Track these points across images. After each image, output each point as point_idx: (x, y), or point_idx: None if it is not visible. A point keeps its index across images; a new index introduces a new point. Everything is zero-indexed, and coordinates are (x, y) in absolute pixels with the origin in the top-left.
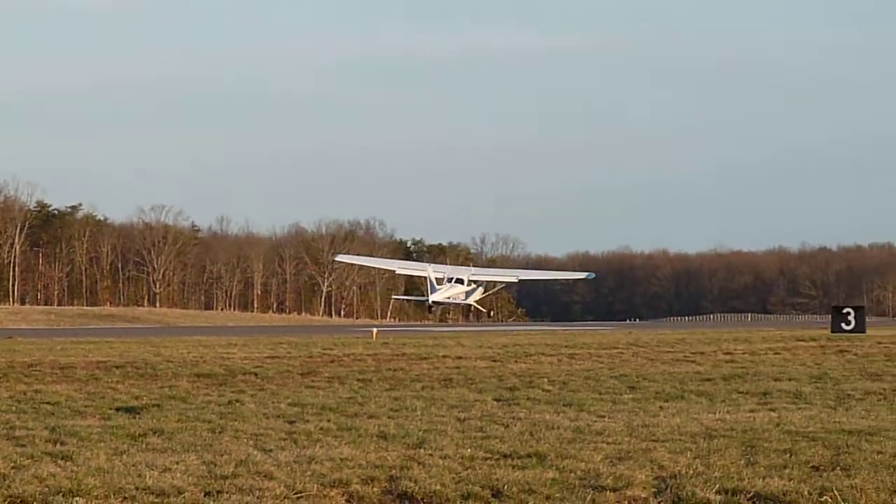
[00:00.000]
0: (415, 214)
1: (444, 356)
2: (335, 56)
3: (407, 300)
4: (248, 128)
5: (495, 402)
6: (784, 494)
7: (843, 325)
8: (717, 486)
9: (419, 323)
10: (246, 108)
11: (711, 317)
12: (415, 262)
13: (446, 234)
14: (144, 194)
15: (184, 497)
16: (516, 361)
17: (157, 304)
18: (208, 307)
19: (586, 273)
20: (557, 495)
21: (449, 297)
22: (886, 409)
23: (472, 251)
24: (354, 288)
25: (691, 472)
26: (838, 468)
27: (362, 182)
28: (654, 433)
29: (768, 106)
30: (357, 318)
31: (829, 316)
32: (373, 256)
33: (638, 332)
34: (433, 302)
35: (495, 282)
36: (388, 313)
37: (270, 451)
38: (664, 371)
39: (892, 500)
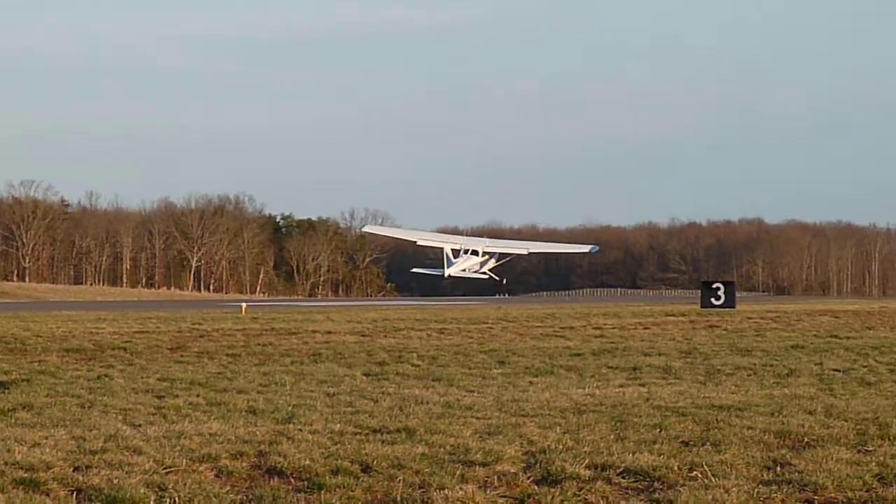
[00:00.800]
0: (284, 189)
1: (313, 331)
2: (201, 30)
3: (424, 273)
4: (115, 102)
5: (364, 377)
6: (654, 469)
7: (712, 300)
8: (587, 460)
9: (289, 298)
10: (114, 82)
11: (581, 292)
12: (435, 234)
13: (316, 210)
14: (13, 169)
15: (53, 472)
16: (385, 336)
17: (27, 279)
18: (77, 282)
19: (590, 246)
20: (427, 470)
21: (465, 270)
22: (756, 384)
23: (342, 226)
24: (224, 263)
25: (561, 446)
26: (708, 443)
27: (231, 157)
28: (523, 408)
29: (638, 85)
30: (227, 293)
31: (699, 291)
32: (400, 228)
33: (507, 307)
34: (449, 275)
35: (507, 253)
36: (258, 288)
37: (139, 426)
38: (534, 346)
39: (761, 475)
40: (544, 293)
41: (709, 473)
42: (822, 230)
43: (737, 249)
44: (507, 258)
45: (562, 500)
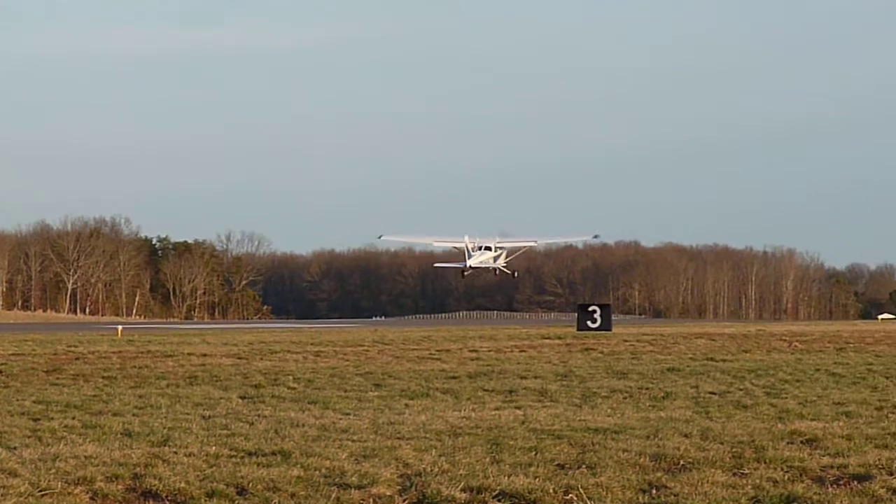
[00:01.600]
0: (160, 212)
1: (189, 354)
2: (66, 49)
3: (446, 267)
4: None
5: (240, 400)
6: (529, 492)
7: (589, 322)
8: (463, 483)
9: (165, 321)
10: None
11: (457, 314)
12: (448, 237)
13: (192, 232)
14: None
15: None
16: (261, 359)
17: None
18: None
19: (593, 234)
20: (302, 493)
21: (481, 262)
22: (632, 407)
23: (218, 248)
24: (100, 285)
25: (437, 469)
26: (584, 466)
27: (107, 179)
28: (399, 431)
29: (502, 112)
30: (103, 316)
31: (575, 314)
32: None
33: (384, 329)
34: (470, 266)
35: (518, 247)
36: (134, 311)
37: (15, 448)
38: (410, 369)
39: (637, 497)
40: (420, 316)
41: (584, 496)
42: (699, 253)
43: (613, 272)
44: (519, 251)
45: None
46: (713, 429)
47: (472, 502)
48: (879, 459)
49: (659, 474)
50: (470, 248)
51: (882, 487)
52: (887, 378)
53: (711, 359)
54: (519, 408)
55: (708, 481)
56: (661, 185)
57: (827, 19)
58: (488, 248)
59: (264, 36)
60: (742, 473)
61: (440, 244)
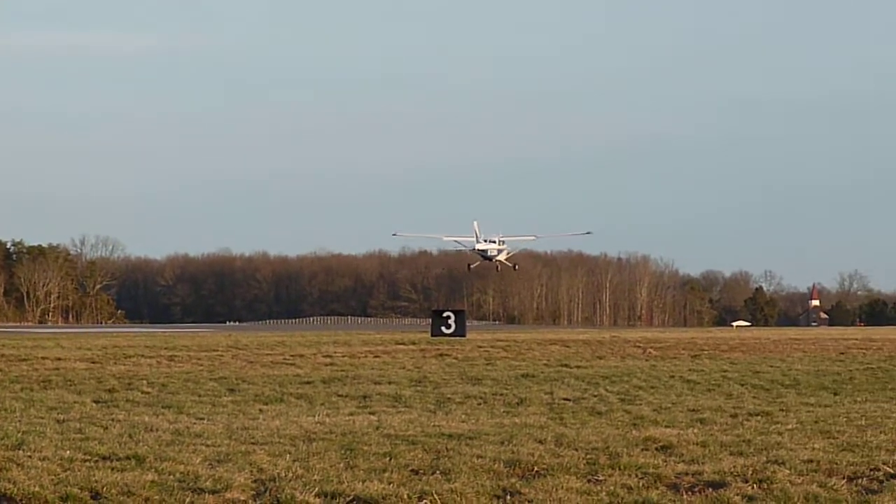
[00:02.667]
0: (14, 215)
1: (43, 358)
2: None
3: (460, 247)
4: None
5: (94, 404)
6: (383, 498)
7: (443, 328)
8: (317, 489)
9: (19, 324)
10: None
11: (311, 319)
12: (457, 234)
13: (46, 236)
14: None
15: None
16: (115, 363)
17: None
18: None
19: (586, 230)
20: (156, 497)
21: (487, 249)
22: (486, 413)
23: (73, 252)
24: None
25: (291, 474)
26: (438, 472)
27: None
28: (253, 436)
29: (362, 116)
30: None
31: (430, 320)
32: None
33: (238, 334)
34: (477, 250)
35: (516, 242)
36: None
37: None
38: (264, 374)
39: (491, 503)
40: (275, 321)
41: (438, 502)
42: (554, 259)
43: (467, 278)
44: (521, 247)
45: None
46: (567, 435)
47: None
48: (734, 467)
49: (513, 480)
50: (478, 234)
51: (737, 495)
52: (742, 385)
53: (566, 365)
54: (373, 413)
55: (562, 487)
56: (516, 192)
57: (692, 38)
58: (493, 242)
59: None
60: (597, 480)
61: (450, 238)
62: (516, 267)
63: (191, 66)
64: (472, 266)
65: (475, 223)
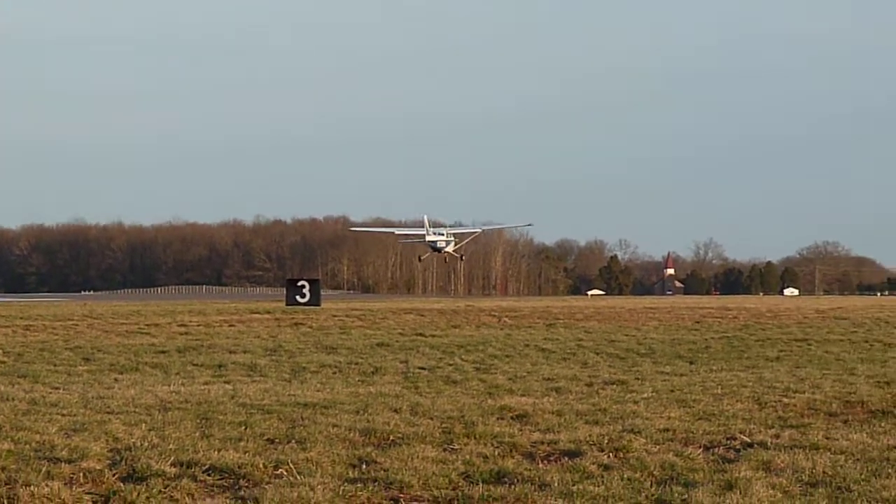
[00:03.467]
0: None
1: None
2: None
3: (408, 235)
4: None
5: None
6: (239, 467)
7: (297, 297)
8: (172, 458)
9: None
10: None
11: (167, 289)
12: (409, 229)
13: None
14: None
15: None
16: None
17: None
18: None
19: (528, 222)
20: (13, 467)
21: (436, 241)
22: (341, 381)
23: None
24: None
25: (146, 444)
26: (293, 441)
27: None
28: (108, 405)
29: (220, 83)
30: None
31: (284, 289)
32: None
33: (93, 303)
34: (427, 241)
35: (463, 234)
36: None
37: None
38: (119, 343)
39: (347, 473)
40: (129, 290)
41: (294, 471)
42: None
43: (322, 247)
44: (468, 238)
45: (147, 498)
46: (423, 404)
47: (182, 476)
48: (590, 435)
49: (369, 449)
50: (428, 228)
51: (593, 463)
52: (597, 354)
53: (421, 334)
54: (228, 382)
55: (418, 456)
56: (371, 163)
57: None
58: (440, 235)
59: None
60: (452, 449)
61: (402, 231)
62: (462, 257)
63: None
64: (422, 257)
65: (425, 217)
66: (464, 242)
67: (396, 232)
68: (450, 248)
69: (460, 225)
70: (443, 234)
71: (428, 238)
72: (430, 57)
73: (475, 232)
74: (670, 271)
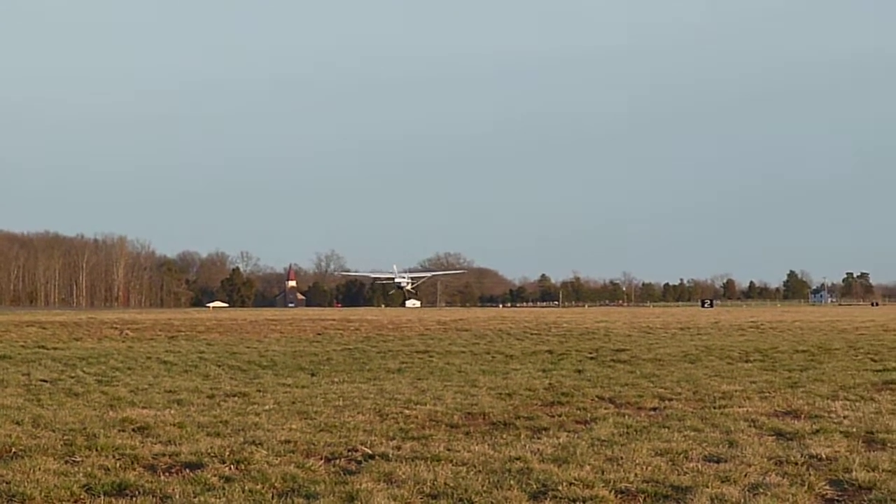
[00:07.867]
0: None
1: None
2: None
3: (383, 282)
4: None
5: None
6: None
7: None
8: None
9: None
10: None
11: None
12: (383, 272)
13: None
14: None
15: None
16: None
17: None
18: None
19: (457, 270)
20: None
21: (400, 283)
22: None
23: None
24: None
25: None
26: None
27: None
28: None
29: None
30: None
31: None
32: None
33: None
34: (397, 283)
35: (420, 277)
36: None
37: None
38: None
39: None
40: None
41: None
42: (30, 241)
43: None
44: (423, 279)
45: None
46: (45, 416)
47: None
48: (211, 447)
49: None
50: (396, 273)
51: (214, 475)
52: (218, 366)
53: (43, 346)
54: None
55: (40, 469)
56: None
57: None
58: (403, 277)
59: None
60: (74, 461)
61: (376, 275)
62: (416, 291)
63: None
64: (390, 293)
65: (394, 266)
66: (419, 283)
67: (372, 275)
68: (408, 286)
69: None
70: (404, 278)
71: (396, 279)
72: None
73: (426, 275)
74: (292, 283)
